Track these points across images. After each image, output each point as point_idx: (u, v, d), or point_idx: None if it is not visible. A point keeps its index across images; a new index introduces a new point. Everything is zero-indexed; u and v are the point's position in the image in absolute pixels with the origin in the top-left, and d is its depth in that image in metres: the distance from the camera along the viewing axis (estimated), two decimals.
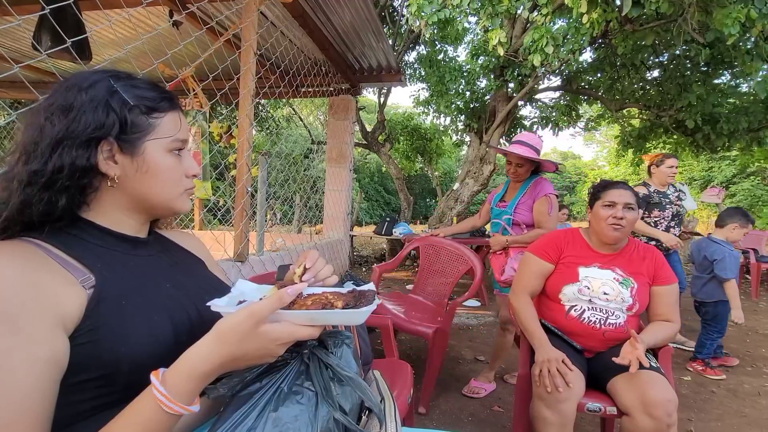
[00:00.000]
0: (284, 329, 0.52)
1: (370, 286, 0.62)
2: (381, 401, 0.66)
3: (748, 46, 4.17)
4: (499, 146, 2.09)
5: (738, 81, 5.75)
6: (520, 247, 2.02)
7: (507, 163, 2.14)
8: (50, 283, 0.52)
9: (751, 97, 5.31)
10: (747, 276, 5.38)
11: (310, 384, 0.56)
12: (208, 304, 0.55)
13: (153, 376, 0.49)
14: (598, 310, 1.45)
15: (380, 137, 7.21)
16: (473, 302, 4.34)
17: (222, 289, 0.78)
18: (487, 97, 6.23)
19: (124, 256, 0.63)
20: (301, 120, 8.20)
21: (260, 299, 0.55)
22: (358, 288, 0.61)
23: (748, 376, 2.59)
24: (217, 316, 0.54)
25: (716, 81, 5.66)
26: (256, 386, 0.56)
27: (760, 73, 4.45)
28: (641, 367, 1.28)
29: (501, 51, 4.22)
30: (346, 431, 0.56)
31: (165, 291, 0.65)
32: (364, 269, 6.18)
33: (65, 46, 1.31)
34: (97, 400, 0.54)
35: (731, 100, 5.64)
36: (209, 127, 3.04)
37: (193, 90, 2.33)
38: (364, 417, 0.62)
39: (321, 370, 0.57)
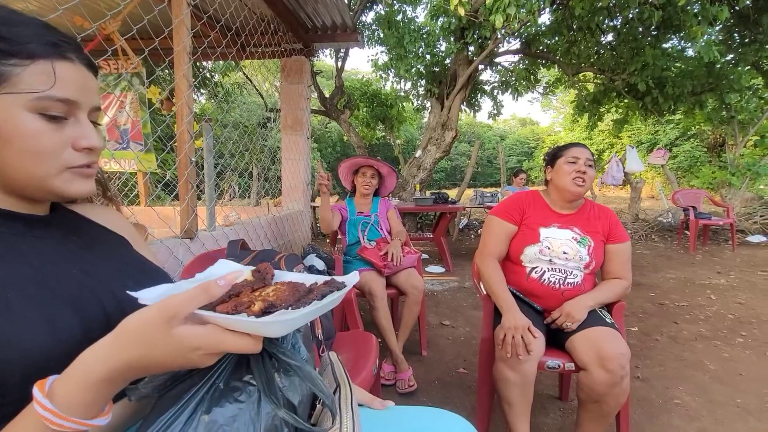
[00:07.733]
0: (208, 336, 0.40)
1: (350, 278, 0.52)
2: (336, 388, 0.59)
3: (696, 9, 4.29)
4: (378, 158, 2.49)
5: (684, 45, 5.98)
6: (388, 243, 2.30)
7: (362, 175, 2.42)
8: None
9: (696, 62, 5.54)
10: (686, 232, 5.82)
11: (251, 377, 0.48)
12: (134, 294, 0.44)
13: (36, 388, 0.39)
14: (558, 270, 1.47)
15: (339, 103, 6.93)
16: (438, 269, 4.40)
17: (151, 272, 0.67)
18: (448, 60, 6.10)
19: (12, 238, 0.51)
20: (252, 84, 7.63)
21: None
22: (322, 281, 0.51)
23: (687, 323, 2.82)
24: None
25: (665, 45, 5.86)
26: (187, 384, 0.48)
27: (705, 36, 4.62)
28: (597, 324, 1.35)
29: (462, 11, 4.08)
30: (296, 428, 0.49)
31: (71, 279, 0.53)
32: (328, 240, 6.08)
33: None
34: None
35: (678, 64, 5.87)
36: (147, 92, 2.73)
37: (121, 47, 2.04)
38: (318, 406, 0.56)
39: (264, 361, 0.49)
